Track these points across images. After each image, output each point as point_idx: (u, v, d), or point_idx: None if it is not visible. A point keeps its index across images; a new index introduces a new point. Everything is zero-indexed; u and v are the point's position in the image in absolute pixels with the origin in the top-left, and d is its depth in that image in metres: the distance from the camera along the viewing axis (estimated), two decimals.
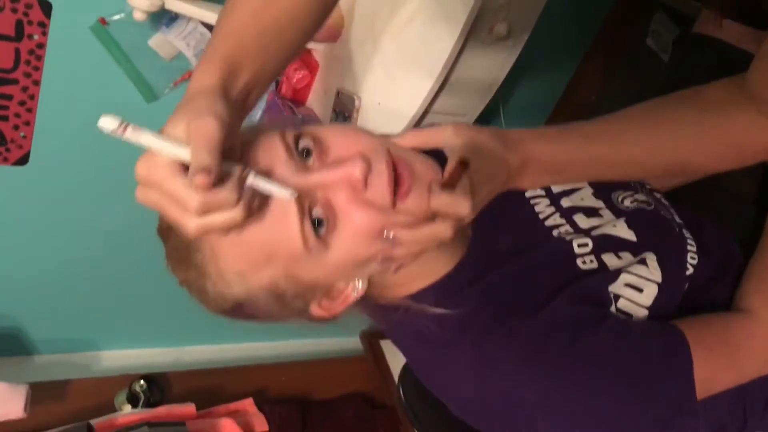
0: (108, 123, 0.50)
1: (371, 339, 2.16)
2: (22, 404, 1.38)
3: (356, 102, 1.39)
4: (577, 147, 0.74)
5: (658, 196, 0.97)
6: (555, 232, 0.84)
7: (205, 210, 0.53)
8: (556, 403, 0.69)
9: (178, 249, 0.67)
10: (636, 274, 0.77)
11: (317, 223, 0.62)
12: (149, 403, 1.64)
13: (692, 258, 0.83)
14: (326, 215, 0.63)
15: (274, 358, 2.04)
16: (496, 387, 0.71)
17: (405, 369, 1.26)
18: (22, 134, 1.44)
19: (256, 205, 0.58)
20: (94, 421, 1.44)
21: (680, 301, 0.79)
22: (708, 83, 0.77)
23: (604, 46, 2.11)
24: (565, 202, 0.88)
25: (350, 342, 2.24)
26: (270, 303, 0.67)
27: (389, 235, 0.63)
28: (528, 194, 0.90)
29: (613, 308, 0.76)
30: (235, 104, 0.60)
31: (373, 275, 0.70)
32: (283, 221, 0.60)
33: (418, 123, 1.29)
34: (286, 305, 0.68)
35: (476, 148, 0.67)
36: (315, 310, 0.70)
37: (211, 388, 1.81)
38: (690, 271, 0.82)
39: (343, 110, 1.39)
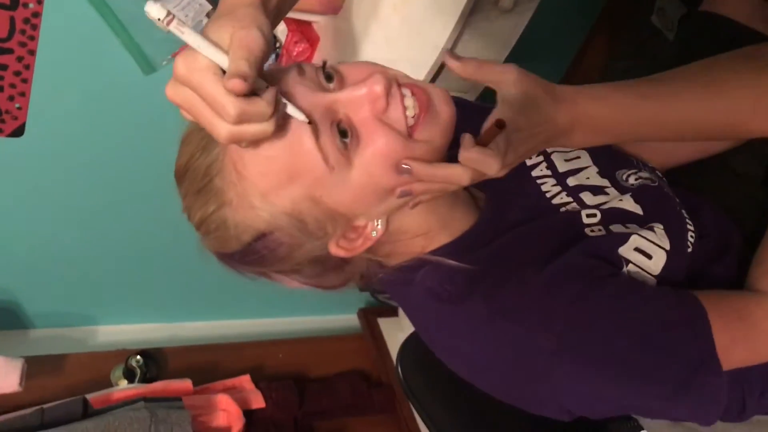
0: (154, 10, 0.51)
1: (368, 316, 2.16)
2: (17, 378, 1.37)
3: None
4: (631, 107, 0.72)
5: (660, 174, 0.97)
6: (562, 209, 0.84)
7: (242, 119, 0.54)
8: (573, 349, 0.69)
9: (197, 179, 0.69)
10: (645, 238, 0.77)
11: (342, 134, 0.64)
12: (145, 379, 1.63)
13: (691, 237, 0.83)
14: (350, 131, 0.65)
15: (271, 335, 2.03)
16: (511, 338, 0.71)
17: (404, 346, 1.25)
18: (17, 105, 1.42)
19: (281, 123, 0.60)
20: (90, 396, 1.43)
21: (684, 279, 0.79)
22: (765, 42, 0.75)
23: (607, 24, 2.08)
24: (571, 181, 0.88)
25: (347, 319, 2.23)
26: (292, 232, 0.68)
27: (406, 166, 0.65)
28: (534, 173, 0.89)
29: (624, 271, 0.75)
30: (269, 22, 0.61)
31: (391, 217, 0.72)
32: (303, 139, 0.62)
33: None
34: (308, 235, 0.68)
35: (528, 103, 0.67)
36: (333, 248, 0.71)
37: (207, 364, 1.80)
38: (689, 249, 0.81)
39: None
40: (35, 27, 1.32)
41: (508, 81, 0.67)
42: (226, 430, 1.48)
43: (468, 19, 1.15)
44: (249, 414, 1.60)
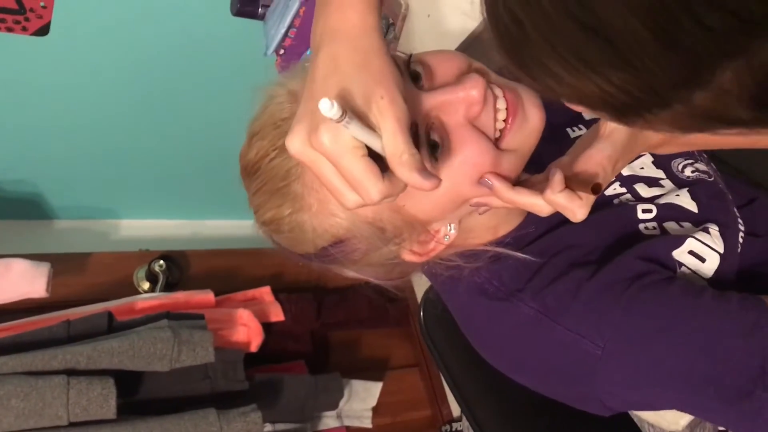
0: (327, 108, 0.49)
1: None
2: (44, 284, 1.39)
3: (403, 7, 1.27)
4: None
5: (714, 167, 0.92)
6: (615, 201, 0.81)
7: (382, 199, 0.54)
8: (620, 357, 0.67)
9: (274, 180, 0.66)
10: (701, 241, 0.74)
11: (433, 147, 0.62)
12: (168, 284, 1.66)
13: (741, 237, 0.79)
14: (441, 139, 0.62)
15: None
16: (557, 340, 0.70)
17: (426, 298, 1.25)
18: (42, 4, 1.35)
19: None
20: (113, 305, 1.46)
21: (734, 281, 0.76)
22: None
23: None
24: (625, 171, 0.84)
25: None
26: (370, 239, 0.67)
27: (488, 182, 0.63)
28: None
29: (678, 274, 0.73)
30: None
31: (462, 220, 0.71)
32: None
33: (464, 46, 1.18)
34: (385, 242, 0.68)
35: (633, 135, 0.64)
36: (406, 255, 0.71)
37: (229, 269, 1.82)
38: (739, 249, 0.78)
39: (388, 15, 1.28)
40: None
41: None
42: (245, 344, 1.52)
43: None
44: (267, 326, 1.63)
